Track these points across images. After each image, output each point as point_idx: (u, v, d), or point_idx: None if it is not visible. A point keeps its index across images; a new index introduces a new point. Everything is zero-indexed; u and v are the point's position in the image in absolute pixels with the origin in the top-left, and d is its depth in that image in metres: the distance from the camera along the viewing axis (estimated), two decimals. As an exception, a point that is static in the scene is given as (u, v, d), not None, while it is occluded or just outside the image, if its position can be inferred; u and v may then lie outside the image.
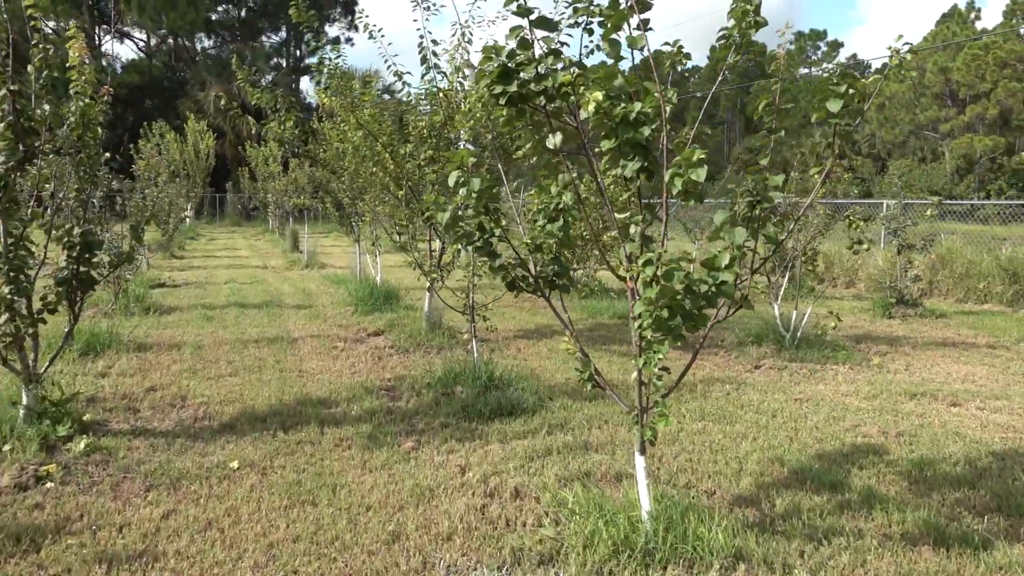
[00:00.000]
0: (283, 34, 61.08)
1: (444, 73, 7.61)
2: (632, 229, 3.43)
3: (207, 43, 59.63)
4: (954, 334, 10.12)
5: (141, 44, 59.29)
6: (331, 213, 13.73)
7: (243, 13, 60.10)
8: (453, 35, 7.97)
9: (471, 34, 7.97)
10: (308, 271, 16.64)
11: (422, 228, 8.89)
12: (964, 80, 59.14)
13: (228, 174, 44.19)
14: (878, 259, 16.43)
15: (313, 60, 55.54)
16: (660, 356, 3.56)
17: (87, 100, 4.87)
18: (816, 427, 5.83)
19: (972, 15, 65.66)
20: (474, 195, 3.64)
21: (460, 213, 3.78)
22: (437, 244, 8.73)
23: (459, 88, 7.97)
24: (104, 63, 53.70)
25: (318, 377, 7.17)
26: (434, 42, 7.41)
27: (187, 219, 25.56)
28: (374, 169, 8.44)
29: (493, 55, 3.47)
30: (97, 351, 7.75)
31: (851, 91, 3.37)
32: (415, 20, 7.31)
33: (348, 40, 62.06)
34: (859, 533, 3.94)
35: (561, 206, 4.00)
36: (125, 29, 57.88)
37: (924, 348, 9.02)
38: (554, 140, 3.47)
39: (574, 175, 3.58)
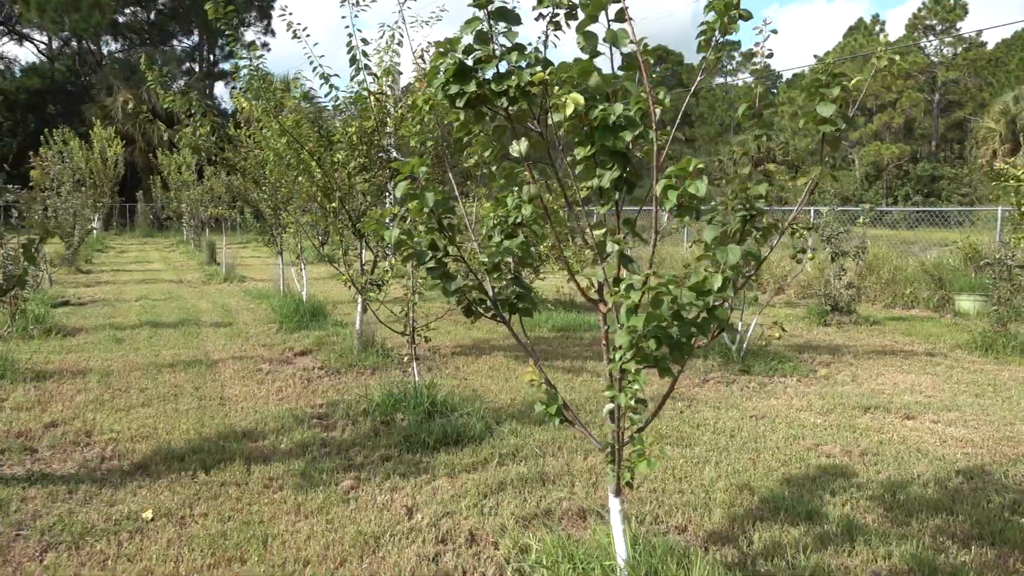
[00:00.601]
0: (195, 38, 59.17)
1: (375, 75, 7.12)
2: (609, 247, 3.04)
3: (114, 46, 57.22)
4: (891, 341, 10.14)
5: (43, 47, 56.46)
6: (251, 224, 13.00)
7: (152, 16, 57.91)
8: (381, 36, 7.49)
9: (401, 36, 7.51)
10: (227, 285, 15.77)
11: (352, 240, 8.36)
12: (871, 91, 61.29)
13: (139, 183, 42.30)
14: (807, 266, 16.61)
15: (227, 65, 53.52)
16: (637, 388, 3.20)
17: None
18: (777, 448, 5.57)
19: (877, 27, 68.27)
20: (426, 210, 3.19)
21: (408, 228, 3.34)
22: (368, 255, 8.21)
23: (388, 92, 7.49)
24: (1, 67, 50.91)
25: (242, 405, 6.57)
26: (364, 41, 6.91)
27: (94, 231, 24.15)
28: (299, 179, 7.86)
29: (447, 50, 3.04)
30: (-12, 382, 6.95)
31: (842, 94, 3.07)
32: (343, 17, 6.81)
33: (264, 45, 60.46)
34: (847, 571, 3.65)
35: (520, 220, 3.61)
36: (24, 31, 55.02)
37: (866, 357, 8.96)
38: (519, 147, 3.06)
39: (540, 185, 3.17)
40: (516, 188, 3.68)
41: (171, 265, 21.09)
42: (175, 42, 58.58)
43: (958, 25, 65.05)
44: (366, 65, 6.99)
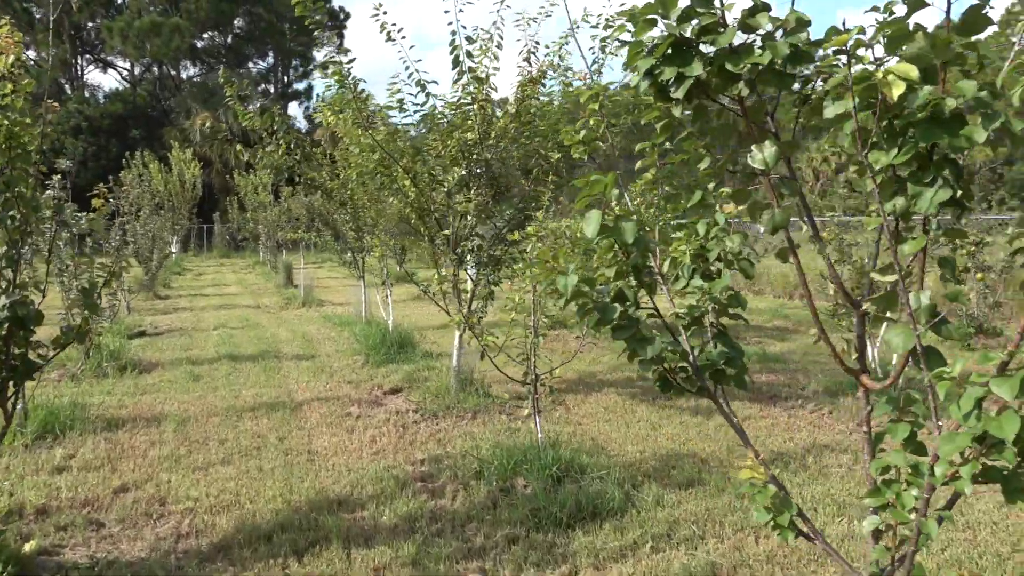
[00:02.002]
0: (270, 60, 59.98)
1: (479, 78, 6.23)
2: (913, 301, 2.03)
3: (192, 71, 58.39)
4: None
5: (125, 73, 57.98)
6: (330, 246, 12.29)
7: (229, 40, 58.90)
8: (479, 36, 6.61)
9: (500, 37, 6.62)
10: (305, 310, 15.14)
11: (450, 264, 7.50)
12: (961, 91, 58.45)
13: (216, 204, 42.69)
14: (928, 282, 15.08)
15: (302, 85, 54.13)
16: (915, 494, 2.22)
17: (15, 117, 3.43)
18: None
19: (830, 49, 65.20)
20: (628, 248, 2.23)
21: (587, 275, 2.37)
22: (468, 283, 7.31)
23: (491, 98, 6.61)
24: (86, 94, 52.36)
25: (333, 461, 5.71)
26: (468, 39, 6.03)
27: (172, 254, 24.05)
28: (391, 199, 7.03)
29: (658, 16, 2.07)
30: (56, 433, 6.26)
31: None
32: (446, 12, 5.95)
33: (336, 63, 60.91)
34: None
35: (725, 254, 2.64)
36: (108, 58, 56.61)
37: None
38: (763, 155, 2.08)
39: (788, 208, 2.17)
40: (707, 210, 2.72)
41: (248, 288, 20.70)
42: (250, 64, 59.48)
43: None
44: (470, 68, 6.11)
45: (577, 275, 2.31)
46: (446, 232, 6.74)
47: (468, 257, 6.91)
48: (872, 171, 1.87)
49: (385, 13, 6.37)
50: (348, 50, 6.19)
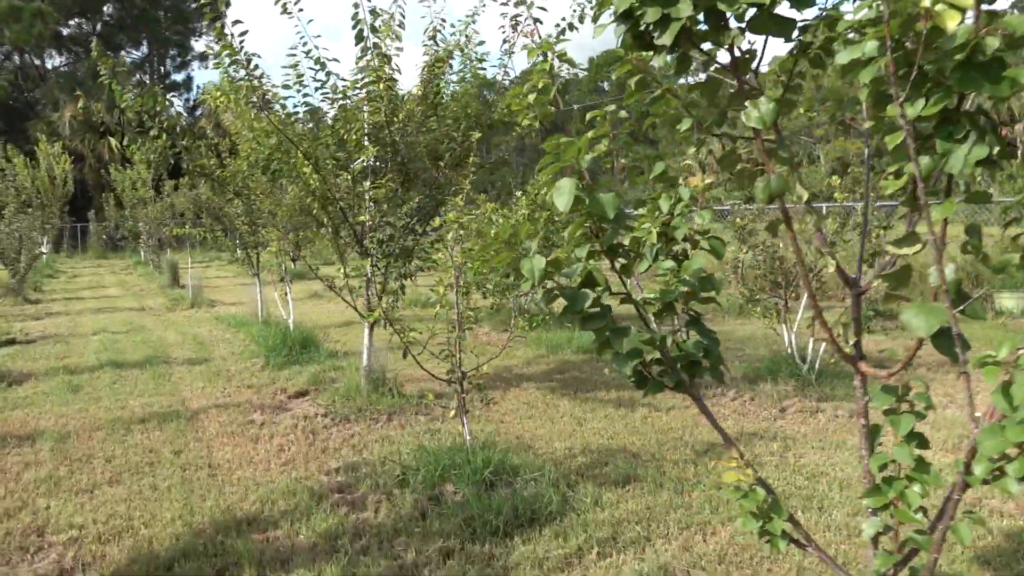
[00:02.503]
0: (144, 49, 57.03)
1: (385, 55, 5.80)
2: (934, 275, 1.79)
3: (58, 60, 54.79)
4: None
5: (-19, 62, 53.79)
6: (222, 243, 11.53)
7: (98, 27, 55.59)
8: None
9: (403, 15, 6.21)
10: (195, 311, 14.20)
11: (356, 257, 7.06)
12: (833, 86, 61.37)
13: (90, 201, 40.21)
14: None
15: (180, 76, 51.79)
16: (918, 490, 2.02)
17: None
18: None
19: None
20: (605, 224, 1.92)
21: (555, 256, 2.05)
22: (377, 276, 6.87)
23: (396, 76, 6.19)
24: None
25: (238, 475, 5.20)
26: (373, 13, 5.60)
27: (43, 255, 22.35)
28: (289, 188, 6.53)
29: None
30: (-90, 458, 5.48)
31: None
32: (350, -19, 5.49)
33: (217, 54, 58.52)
34: None
35: (693, 233, 2.39)
36: (-39, 46, 52.38)
37: (937, 368, 7.84)
38: (760, 111, 1.80)
39: (788, 172, 1.91)
40: (670, 184, 2.46)
41: (129, 290, 19.39)
42: (123, 53, 56.29)
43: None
44: (375, 44, 5.67)
45: (538, 259, 1.97)
46: (355, 221, 6.29)
47: (376, 249, 6.48)
48: (904, 119, 1.61)
49: (278, -16, 5.84)
50: (240, 21, 5.65)
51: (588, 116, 2.62)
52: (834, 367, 7.44)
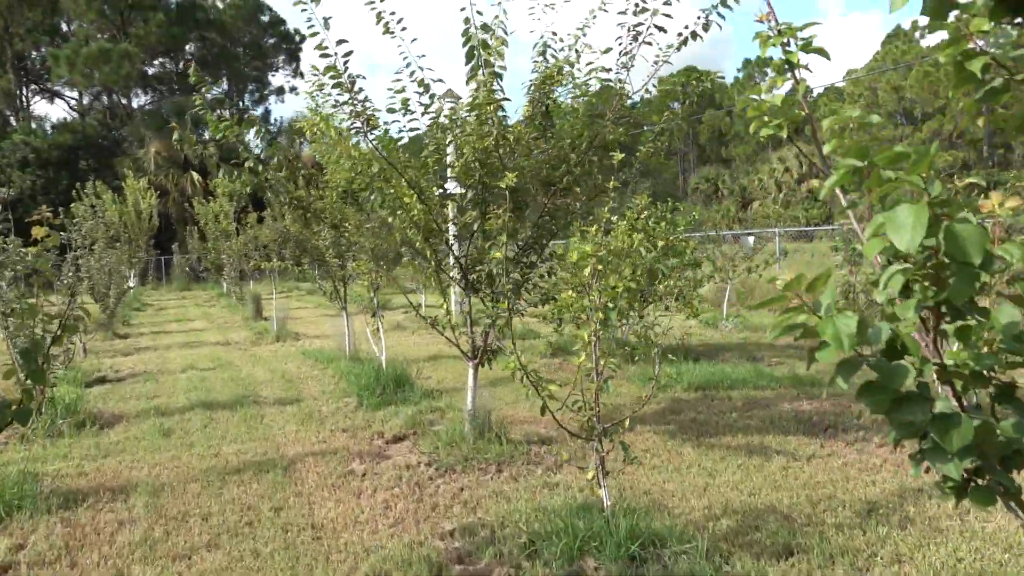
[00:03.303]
0: (224, 85, 58.65)
1: (497, 73, 5.32)
2: None
3: (144, 99, 56.82)
4: None
5: (73, 103, 56.18)
6: (309, 275, 11.24)
7: (180, 66, 57.48)
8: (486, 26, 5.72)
9: (506, 32, 5.72)
10: (280, 345, 13.98)
11: (455, 293, 6.56)
12: (918, 97, 59.28)
13: (174, 234, 41.22)
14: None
15: (259, 111, 53.44)
16: None
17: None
18: None
19: (917, 33, 66.08)
20: (965, 267, 1.32)
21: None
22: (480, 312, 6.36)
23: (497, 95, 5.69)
24: (32, 125, 50.48)
25: (344, 539, 4.70)
26: (484, 28, 5.12)
27: (130, 288, 22.70)
28: (390, 219, 6.09)
29: None
30: (1, 516, 5.15)
31: None
32: (462, -4, 5.03)
33: (292, 89, 60.06)
34: None
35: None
36: (55, 88, 54.79)
37: None
38: None
39: None
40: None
41: (214, 322, 19.44)
42: (204, 90, 57.99)
43: (1003, 24, 62.83)
44: (486, 61, 5.19)
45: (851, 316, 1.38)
46: (490, 257, 5.77)
47: (484, 284, 5.98)
48: None
49: (383, 0, 5.43)
50: (345, 41, 5.23)
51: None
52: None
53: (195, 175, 43.18)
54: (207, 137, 46.27)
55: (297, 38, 59.35)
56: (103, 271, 16.25)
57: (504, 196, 5.12)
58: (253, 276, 21.59)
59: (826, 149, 1.92)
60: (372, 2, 5.44)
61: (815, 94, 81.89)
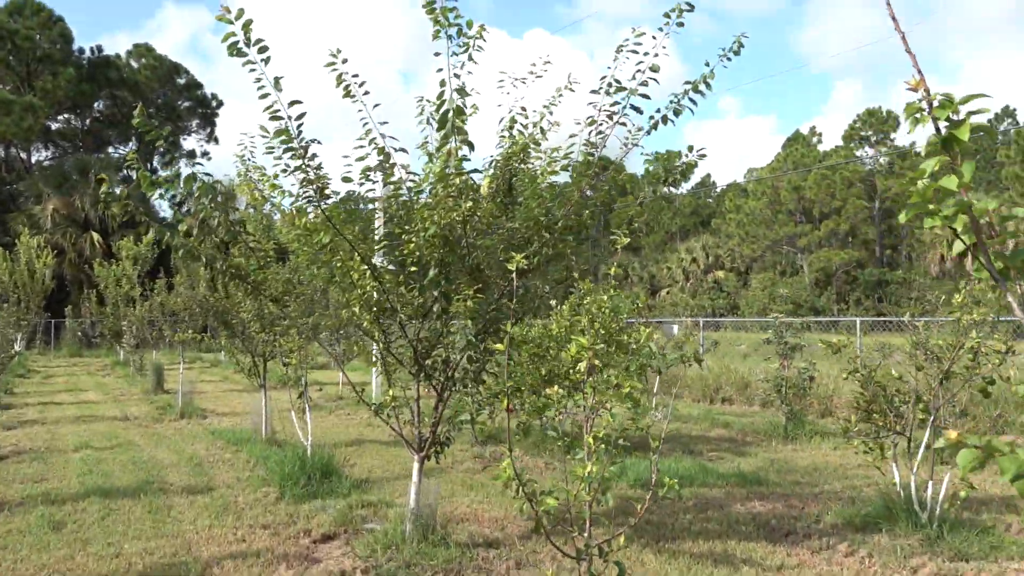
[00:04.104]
0: (132, 145, 56.84)
1: (469, 142, 4.96)
2: None
3: (44, 154, 54.35)
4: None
5: (-35, 154, 53.17)
6: (227, 348, 10.43)
7: (87, 123, 55.48)
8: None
9: (475, 106, 5.41)
10: (186, 423, 12.87)
11: (405, 378, 6.06)
12: (816, 198, 62.56)
13: (67, 296, 38.89)
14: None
15: (166, 173, 52.21)
16: None
17: None
18: None
19: (815, 139, 70.13)
20: None
21: None
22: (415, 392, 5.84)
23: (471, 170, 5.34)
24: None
25: (278, 667, 4.00)
26: (460, 91, 4.78)
27: (17, 353, 20.95)
28: (346, 296, 5.60)
29: None
30: None
31: None
32: (437, 54, 4.68)
33: (205, 154, 58.75)
34: None
35: None
36: (-54, 137, 51.86)
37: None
38: None
39: None
40: None
41: (110, 394, 17.99)
42: (110, 149, 56.24)
43: (892, 136, 67.84)
44: (458, 127, 4.82)
45: None
46: (417, 337, 5.31)
47: (440, 370, 5.49)
48: None
49: (345, 62, 5.04)
50: (299, 102, 4.79)
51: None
52: (960, 514, 6.42)
53: (96, 235, 41.16)
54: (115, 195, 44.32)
55: (214, 103, 58.33)
56: (-13, 335, 14.88)
57: (478, 275, 4.71)
58: (156, 345, 20.26)
59: None
60: (333, 63, 5.04)
61: (717, 189, 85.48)
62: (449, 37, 4.59)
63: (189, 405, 13.82)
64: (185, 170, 5.94)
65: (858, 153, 68.34)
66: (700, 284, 65.96)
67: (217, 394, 17.46)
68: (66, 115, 54.42)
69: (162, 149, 57.25)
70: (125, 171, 55.29)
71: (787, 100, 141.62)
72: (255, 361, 10.06)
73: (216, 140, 58.89)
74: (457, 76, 4.70)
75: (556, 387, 3.81)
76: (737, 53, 5.59)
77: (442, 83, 4.75)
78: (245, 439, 10.43)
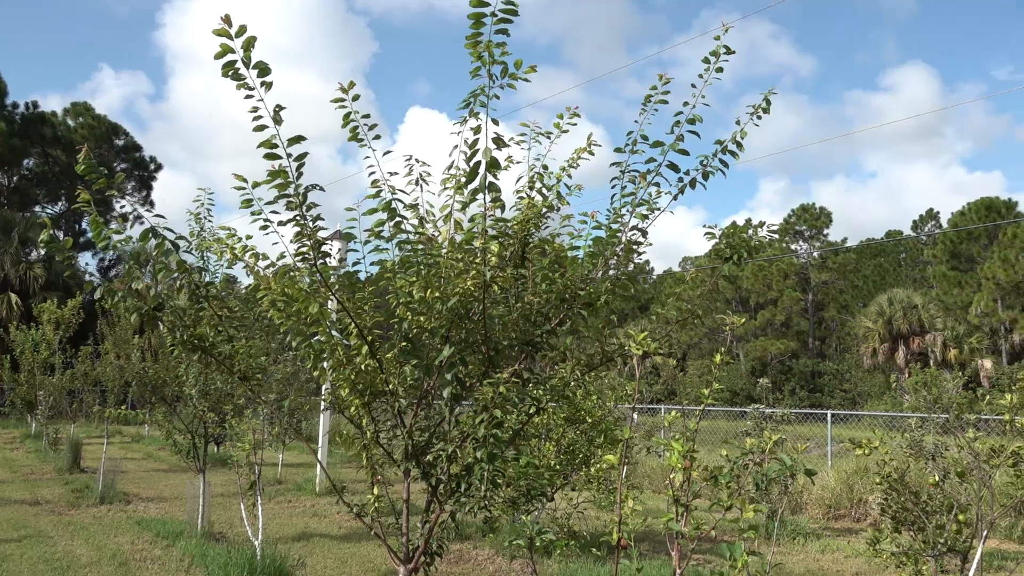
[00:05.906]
0: (62, 205, 54.74)
1: (501, 201, 4.24)
2: None
3: (-40, 211, 51.81)
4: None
5: None
6: (163, 426, 9.26)
7: (14, 180, 53.27)
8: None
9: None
10: (107, 509, 11.38)
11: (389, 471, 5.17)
12: (753, 288, 63.87)
13: (-27, 361, 36.24)
14: (829, 478, 14.21)
15: (92, 235, 50.36)
16: None
17: None
18: None
19: (750, 231, 72.05)
20: None
21: None
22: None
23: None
24: None
25: None
26: (497, 141, 4.06)
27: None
28: (333, 374, 4.75)
29: None
30: None
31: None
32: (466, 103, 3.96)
33: (138, 218, 56.90)
34: None
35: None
36: None
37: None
38: None
39: None
40: None
41: (18, 472, 16.19)
42: (38, 208, 54.06)
43: (825, 231, 70.40)
44: (491, 184, 4.09)
45: None
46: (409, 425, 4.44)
47: (440, 466, 4.62)
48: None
49: (356, 99, 4.31)
50: (303, 138, 4.01)
51: None
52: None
53: (14, 296, 38.78)
54: (32, 257, 42.26)
55: (152, 166, 56.86)
56: None
57: (492, 353, 3.93)
58: (74, 418, 18.60)
59: None
60: (342, 100, 4.31)
61: (653, 275, 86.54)
62: (492, 76, 3.91)
63: (110, 488, 12.31)
64: (131, 229, 5.09)
65: (793, 247, 70.60)
66: (640, 368, 65.95)
67: (141, 474, 15.85)
68: (-8, 172, 52.24)
69: (99, 207, 55.25)
70: (52, 232, 53.08)
71: (713, 194, 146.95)
72: (196, 442, 8.90)
73: (152, 204, 57.19)
74: (496, 122, 4.00)
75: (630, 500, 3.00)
76: (767, 111, 5.07)
77: (476, 129, 4.03)
78: (178, 532, 9.13)
